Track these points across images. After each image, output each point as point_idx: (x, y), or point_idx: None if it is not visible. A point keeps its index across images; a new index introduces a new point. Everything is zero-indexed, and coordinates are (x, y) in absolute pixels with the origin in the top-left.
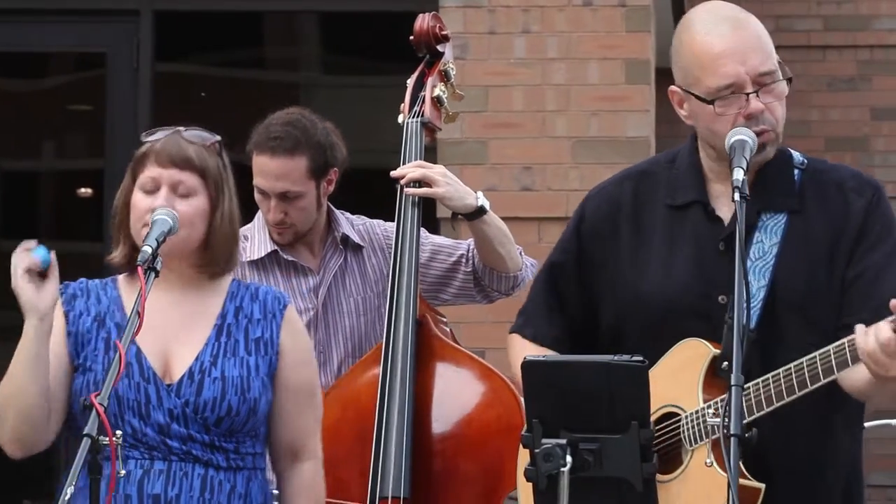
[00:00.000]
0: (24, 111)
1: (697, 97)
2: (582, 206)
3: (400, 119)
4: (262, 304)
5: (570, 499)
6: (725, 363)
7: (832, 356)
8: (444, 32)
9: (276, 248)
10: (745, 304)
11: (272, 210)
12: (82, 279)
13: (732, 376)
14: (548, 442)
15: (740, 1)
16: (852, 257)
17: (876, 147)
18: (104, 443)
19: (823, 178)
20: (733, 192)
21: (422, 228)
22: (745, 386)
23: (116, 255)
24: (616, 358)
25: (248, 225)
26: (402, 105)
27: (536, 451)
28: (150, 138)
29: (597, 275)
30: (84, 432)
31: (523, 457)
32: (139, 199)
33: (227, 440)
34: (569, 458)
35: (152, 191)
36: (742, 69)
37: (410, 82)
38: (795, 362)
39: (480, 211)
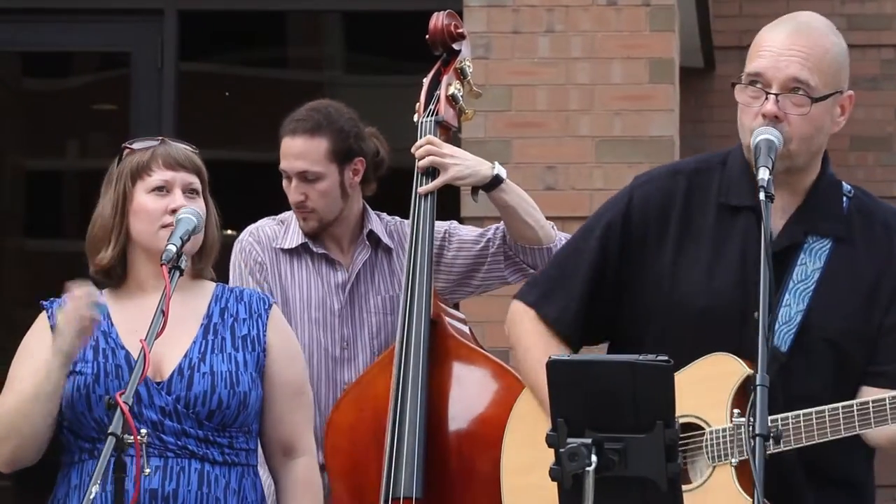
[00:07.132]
0: (48, 111)
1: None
2: (629, 191)
3: (415, 118)
4: (248, 304)
5: (594, 498)
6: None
7: (871, 408)
8: (459, 30)
9: (305, 240)
10: (767, 303)
11: (292, 191)
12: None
13: (757, 376)
14: (573, 441)
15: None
16: (891, 305)
17: None
18: (128, 441)
19: (870, 212)
20: (758, 192)
21: (453, 222)
22: (776, 417)
23: (104, 256)
24: (642, 358)
25: (287, 213)
26: (418, 104)
27: (562, 450)
28: (139, 145)
29: (633, 263)
30: (109, 431)
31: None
32: (150, 202)
33: (221, 435)
34: (594, 458)
35: (165, 193)
36: (773, 66)
37: (426, 81)
38: (830, 406)
39: (497, 180)
